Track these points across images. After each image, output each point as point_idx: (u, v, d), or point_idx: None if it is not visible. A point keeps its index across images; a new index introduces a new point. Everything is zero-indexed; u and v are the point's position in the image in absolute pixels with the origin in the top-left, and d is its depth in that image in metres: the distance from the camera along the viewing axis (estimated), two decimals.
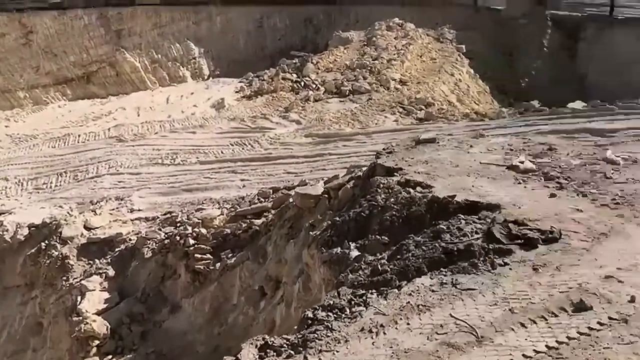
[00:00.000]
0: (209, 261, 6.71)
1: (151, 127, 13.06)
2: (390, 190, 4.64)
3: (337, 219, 4.66)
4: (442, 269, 3.50)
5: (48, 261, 7.75)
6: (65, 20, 18.91)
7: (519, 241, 3.69)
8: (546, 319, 2.90)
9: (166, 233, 7.60)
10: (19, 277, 8.12)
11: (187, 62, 21.11)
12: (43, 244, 8.02)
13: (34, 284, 7.92)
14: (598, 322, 2.83)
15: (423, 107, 13.28)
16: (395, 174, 4.95)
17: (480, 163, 5.11)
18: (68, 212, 8.76)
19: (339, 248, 4.29)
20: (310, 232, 5.00)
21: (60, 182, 10.52)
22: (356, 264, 3.93)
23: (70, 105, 16.77)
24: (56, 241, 7.93)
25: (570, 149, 5.43)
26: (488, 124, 10.89)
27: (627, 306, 2.92)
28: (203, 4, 21.86)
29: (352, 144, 10.73)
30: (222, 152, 11.15)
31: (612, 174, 4.70)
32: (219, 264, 6.59)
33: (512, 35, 18.27)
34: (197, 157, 10.95)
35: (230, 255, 6.60)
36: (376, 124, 12.26)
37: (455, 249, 3.66)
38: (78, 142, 12.49)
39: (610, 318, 2.85)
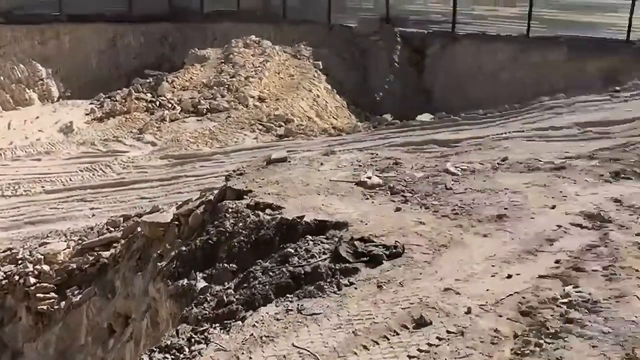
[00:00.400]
0: (52, 300, 6.18)
1: None
2: (238, 215, 4.49)
3: (184, 248, 4.44)
4: (288, 294, 3.41)
5: None
6: None
7: (365, 258, 3.69)
8: (388, 339, 2.89)
9: (5, 272, 6.91)
10: None
11: (33, 83, 19.71)
12: None
13: None
14: (437, 337, 2.86)
15: (282, 123, 13.33)
16: (245, 196, 4.82)
17: (330, 180, 5.11)
18: None
19: (186, 279, 4.08)
20: (158, 264, 4.72)
21: None
22: (201, 296, 3.74)
23: None
24: None
25: (415, 162, 5.60)
26: (345, 138, 11.13)
27: (464, 318, 2.98)
28: (50, 22, 20.57)
29: (210, 164, 10.49)
30: (70, 180, 10.44)
31: (452, 184, 4.88)
32: (64, 302, 6.09)
33: (365, 52, 18.96)
34: (43, 186, 10.17)
35: (76, 292, 6.12)
36: (235, 142, 12.11)
37: (303, 272, 3.59)
38: None
39: (448, 332, 2.89)
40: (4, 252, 7.68)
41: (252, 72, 15.93)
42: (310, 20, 21.28)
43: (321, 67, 17.55)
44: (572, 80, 14.70)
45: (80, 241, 7.25)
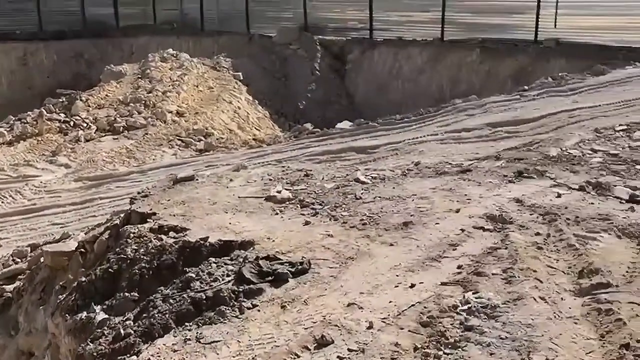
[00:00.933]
0: None
1: None
2: (141, 240, 4.30)
3: (84, 278, 4.21)
4: (187, 323, 3.26)
5: None
6: None
7: (270, 278, 3.58)
8: None
9: None
10: None
11: None
12: None
13: None
14: (338, 357, 2.79)
15: (202, 137, 13.08)
16: (149, 219, 4.63)
17: (239, 197, 4.99)
18: None
19: (85, 312, 3.86)
20: (59, 296, 4.46)
21: None
22: (99, 330, 3.54)
23: None
24: None
25: (326, 172, 5.55)
26: (265, 150, 11.01)
27: (366, 334, 2.92)
28: None
29: (127, 185, 10.14)
30: None
31: (362, 193, 4.85)
32: None
33: (286, 61, 18.96)
34: None
35: None
36: (153, 159, 11.79)
37: (204, 297, 3.45)
38: None
39: (349, 350, 2.82)
40: None
41: (169, 86, 15.58)
42: (229, 31, 21.14)
43: (241, 78, 17.41)
44: (486, 82, 15.18)
45: None
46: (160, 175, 10.41)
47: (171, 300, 3.51)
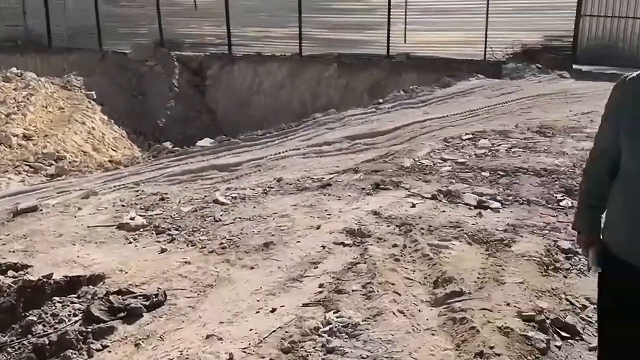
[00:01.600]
0: None
1: None
2: None
3: None
4: None
5: None
6: None
7: (122, 314, 3.33)
8: None
9: None
10: None
11: None
12: None
13: None
14: None
15: (53, 162, 12.21)
16: None
17: (88, 227, 4.65)
18: None
19: None
20: None
21: None
22: None
23: None
24: None
25: (183, 194, 5.34)
26: (122, 172, 10.47)
27: None
28: None
29: None
30: None
31: (222, 215, 4.71)
32: None
33: (142, 78, 18.32)
34: None
35: None
36: None
37: (47, 342, 3.13)
38: None
39: None
40: None
41: (14, 108, 14.43)
42: (79, 48, 20.06)
43: (95, 97, 16.54)
44: (344, 96, 15.61)
45: None
46: (6, 204, 9.57)
47: (9, 349, 3.15)
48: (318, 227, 4.27)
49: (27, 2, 22.00)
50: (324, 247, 3.94)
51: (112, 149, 14.61)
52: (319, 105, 14.94)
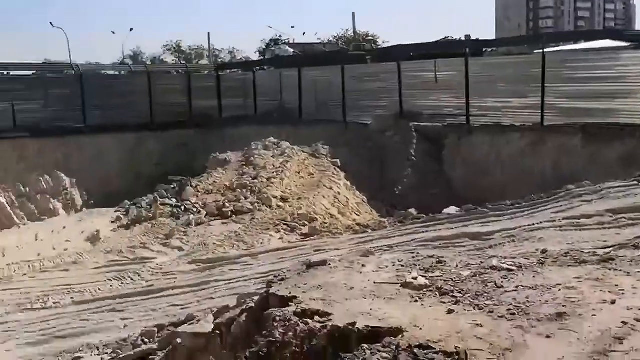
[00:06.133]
0: None
1: (19, 268, 12.01)
2: (287, 323, 4.38)
3: None
4: None
5: None
6: None
7: None
8: None
9: None
10: None
11: (58, 194, 20.17)
12: None
13: None
14: None
15: (306, 222, 13.36)
16: (290, 303, 4.72)
17: (375, 283, 5.02)
18: None
19: None
20: None
21: None
22: None
23: None
24: None
25: (458, 259, 5.52)
26: (372, 235, 11.08)
27: None
28: (73, 134, 21.33)
29: (239, 267, 10.43)
30: (99, 290, 10.40)
31: (502, 282, 4.77)
32: None
33: (381, 147, 19.31)
34: (72, 298, 10.11)
35: None
36: (261, 243, 12.10)
37: None
38: None
39: None
40: None
41: (273, 172, 16.19)
42: (325, 120, 21.90)
43: (339, 164, 17.84)
44: (590, 166, 14.78)
45: (114, 354, 7.10)
46: (270, 259, 10.68)
47: None
48: (613, 302, 4.12)
49: (284, 80, 24.69)
50: (625, 323, 3.79)
51: (355, 213, 15.52)
52: (561, 176, 14.35)
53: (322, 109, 22.59)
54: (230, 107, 25.38)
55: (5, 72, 24.87)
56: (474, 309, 4.33)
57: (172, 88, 25.14)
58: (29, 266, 12.13)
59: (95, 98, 22.52)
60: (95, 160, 21.62)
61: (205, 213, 14.15)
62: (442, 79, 19.26)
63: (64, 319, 9.22)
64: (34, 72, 25.08)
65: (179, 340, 5.88)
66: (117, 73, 27.13)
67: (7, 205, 19.08)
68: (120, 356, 6.78)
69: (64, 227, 15.69)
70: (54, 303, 9.95)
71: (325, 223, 13.52)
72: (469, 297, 4.54)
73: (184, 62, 27.48)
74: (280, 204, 14.44)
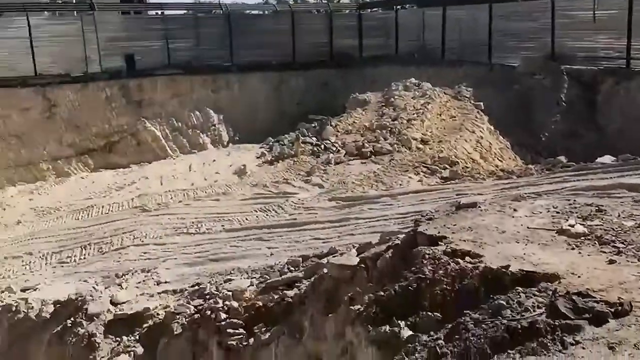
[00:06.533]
0: (242, 336, 6.45)
1: (175, 195, 13.01)
2: (437, 261, 4.40)
3: (382, 293, 4.42)
4: (508, 351, 3.24)
5: (74, 340, 7.52)
6: (88, 93, 19.27)
7: (587, 315, 3.42)
8: None
9: (195, 306, 7.36)
10: (44, 357, 7.87)
11: (207, 129, 21.36)
12: (69, 321, 7.81)
13: None
14: None
15: (447, 166, 13.15)
16: (440, 242, 4.73)
17: (528, 228, 4.88)
18: (93, 287, 8.57)
19: (387, 326, 4.04)
20: (352, 307, 4.75)
21: (85, 255, 10.40)
22: (410, 346, 3.68)
23: (93, 176, 16.85)
24: (82, 318, 7.72)
25: (620, 209, 5.19)
26: (517, 181, 10.69)
27: None
28: (222, 72, 22.28)
29: (378, 207, 10.54)
30: (246, 219, 11.01)
31: None
32: (252, 339, 6.33)
33: (528, 91, 18.31)
34: (222, 225, 10.81)
35: (263, 329, 6.33)
36: (400, 185, 12.10)
37: (519, 326, 3.40)
38: (102, 214, 12.44)
39: None
40: (192, 286, 8.20)
41: (413, 114, 15.98)
42: (469, 61, 21.08)
43: (482, 107, 17.21)
44: None
45: (262, 279, 7.55)
46: (410, 200, 10.68)
47: (483, 326, 3.52)
48: None
49: (426, 20, 23.96)
50: None
51: (498, 158, 15.01)
52: None
53: (466, 50, 21.73)
54: (371, 47, 25.16)
55: (159, 12, 26.29)
56: (638, 260, 4.09)
57: (314, 27, 25.31)
58: (184, 194, 13.08)
59: (241, 37, 23.27)
60: (241, 97, 22.53)
61: (345, 152, 14.36)
62: (601, 17, 17.72)
63: (216, 244, 9.91)
64: (186, 11, 26.27)
65: (325, 271, 6.12)
66: (261, 13, 27.69)
67: (162, 138, 20.57)
68: (268, 281, 7.19)
69: (214, 160, 16.67)
70: (207, 229, 10.69)
71: (467, 167, 13.22)
72: (632, 248, 4.29)
73: (325, 1, 27.40)
74: (420, 146, 14.29)
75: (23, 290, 8.84)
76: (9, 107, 18.21)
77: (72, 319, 7.74)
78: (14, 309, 8.24)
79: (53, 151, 18.50)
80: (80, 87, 19.33)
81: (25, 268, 10.14)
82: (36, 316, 8.10)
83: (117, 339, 7.39)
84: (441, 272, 4.25)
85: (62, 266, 10.08)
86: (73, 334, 7.57)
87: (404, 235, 5.48)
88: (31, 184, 16.63)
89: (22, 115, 18.51)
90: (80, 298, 8.03)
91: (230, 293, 7.15)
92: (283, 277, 7.18)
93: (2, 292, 8.92)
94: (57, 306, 8.11)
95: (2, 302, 8.48)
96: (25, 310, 8.24)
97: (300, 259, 7.66)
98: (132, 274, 8.99)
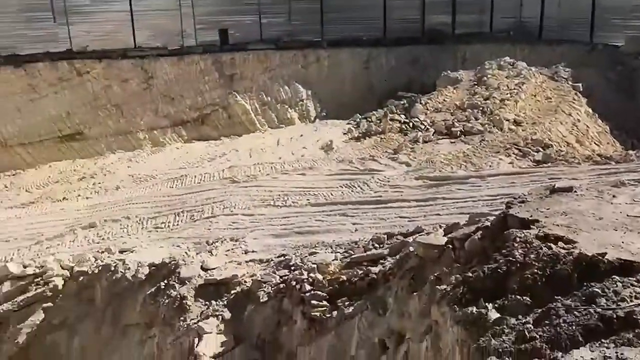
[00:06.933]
0: (325, 308, 6.57)
1: (263, 168, 13.31)
2: (528, 245, 4.30)
3: (470, 274, 4.37)
4: (602, 339, 3.14)
5: (167, 301, 7.91)
6: (183, 66, 19.94)
7: None
8: None
9: (281, 277, 7.56)
10: (138, 316, 8.33)
11: (295, 104, 21.61)
12: (162, 283, 8.21)
13: (153, 323, 8.08)
14: None
15: (540, 148, 12.71)
16: (532, 226, 4.61)
17: (628, 215, 4.66)
18: (185, 252, 8.96)
19: (474, 307, 4.00)
20: (438, 287, 4.73)
21: (178, 221, 10.86)
22: (497, 328, 3.63)
23: (187, 147, 17.50)
24: (175, 281, 8.10)
25: None
26: (616, 167, 10.20)
27: None
28: (312, 48, 22.39)
29: (467, 188, 10.36)
30: (331, 195, 11.12)
31: None
32: (335, 312, 6.43)
33: (632, 73, 17.32)
34: (308, 199, 10.97)
35: (347, 303, 6.42)
36: (490, 166, 11.82)
37: (615, 316, 3.29)
38: (194, 183, 12.93)
39: None
40: (278, 257, 8.41)
41: (507, 94, 15.50)
42: (568, 40, 20.13)
43: (581, 89, 16.45)
44: None
45: (346, 254, 7.63)
46: (499, 182, 10.43)
47: (576, 313, 3.43)
48: None
49: None
50: None
51: (595, 142, 14.37)
52: None
53: (565, 28, 20.74)
54: (464, 23, 24.47)
55: None
56: None
57: (405, 3, 24.89)
58: (272, 167, 13.36)
59: (332, 12, 23.24)
60: (330, 73, 22.59)
61: (433, 131, 14.16)
62: None
63: (301, 217, 10.09)
64: None
65: (411, 249, 6.12)
66: None
67: (251, 111, 21.02)
68: (353, 256, 7.27)
69: (301, 135, 16.87)
70: (293, 202, 10.90)
71: (561, 151, 12.73)
72: None
73: None
74: (513, 127, 13.87)
75: (121, 252, 9.38)
76: (110, 77, 19.16)
77: (165, 281, 8.14)
78: (112, 268, 8.75)
79: (149, 121, 19.33)
80: (176, 60, 20.02)
81: (123, 231, 10.73)
82: (132, 277, 8.57)
83: (207, 302, 7.71)
84: (532, 256, 4.16)
85: (157, 231, 10.59)
86: (166, 295, 7.95)
87: (494, 217, 5.38)
88: (129, 152, 17.50)
89: (122, 86, 19.42)
90: (173, 262, 8.42)
91: (315, 266, 7.28)
92: (368, 253, 7.23)
93: (102, 252, 9.50)
94: (152, 268, 8.55)
95: (102, 261, 9.03)
96: (123, 271, 8.74)
97: (385, 236, 7.67)
98: (222, 242, 9.31)
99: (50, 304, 8.70)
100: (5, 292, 8.74)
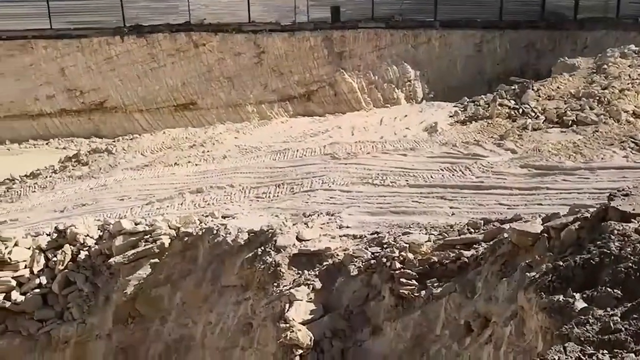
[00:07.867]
0: (413, 287, 6.63)
1: (364, 146, 13.41)
2: (626, 239, 4.15)
3: (560, 263, 4.28)
4: None
5: (262, 266, 8.26)
6: (294, 42, 20.37)
7: None
8: None
9: (373, 253, 7.68)
10: (235, 278, 8.75)
11: (402, 84, 21.52)
12: (259, 249, 8.57)
13: (248, 286, 8.47)
14: None
15: None
16: (633, 220, 4.43)
17: None
18: (283, 222, 9.28)
19: (562, 296, 3.93)
20: (527, 274, 4.66)
21: (278, 193, 11.23)
22: (582, 317, 3.56)
23: (291, 122, 17.92)
24: (271, 249, 8.42)
25: None
26: None
27: None
28: (424, 28, 22.12)
29: (573, 179, 9.95)
30: (431, 177, 11.05)
31: None
32: (424, 291, 6.48)
33: None
34: (407, 180, 10.97)
35: (436, 284, 6.45)
36: (602, 158, 11.25)
37: None
38: (296, 157, 13.27)
39: None
40: (371, 234, 8.52)
41: (628, 84, 14.61)
42: None
43: None
44: None
45: (440, 236, 7.62)
46: (610, 176, 9.95)
47: None
48: None
49: None
50: None
51: None
52: None
53: None
54: (588, 8, 23.20)
55: None
56: None
57: None
58: (373, 146, 13.42)
59: None
60: (440, 54, 22.23)
61: (544, 119, 13.62)
62: None
63: (398, 197, 10.12)
64: None
65: (505, 235, 6.03)
66: None
67: (357, 90, 21.14)
68: (447, 238, 7.26)
69: (406, 116, 16.78)
70: (391, 182, 10.93)
71: None
72: None
73: None
74: (631, 119, 13.07)
75: (224, 217, 9.85)
76: (224, 50, 19.92)
77: (262, 247, 8.48)
78: (215, 232, 9.23)
79: (258, 95, 19.96)
80: (287, 36, 20.46)
81: (227, 198, 11.25)
82: (232, 241, 8.99)
83: (299, 271, 7.98)
84: (629, 249, 4.01)
85: (258, 200, 11.01)
86: (262, 261, 8.30)
87: (595, 209, 5.20)
88: (237, 124, 18.18)
89: (234, 59, 20.13)
90: (271, 230, 8.76)
91: (407, 245, 7.34)
92: (462, 237, 7.19)
93: (207, 216, 10.03)
94: (251, 235, 8.93)
95: (206, 224, 9.54)
96: (224, 235, 9.19)
97: (482, 221, 7.58)
98: (318, 215, 9.54)
99: (157, 260, 9.31)
100: (118, 246, 9.45)
